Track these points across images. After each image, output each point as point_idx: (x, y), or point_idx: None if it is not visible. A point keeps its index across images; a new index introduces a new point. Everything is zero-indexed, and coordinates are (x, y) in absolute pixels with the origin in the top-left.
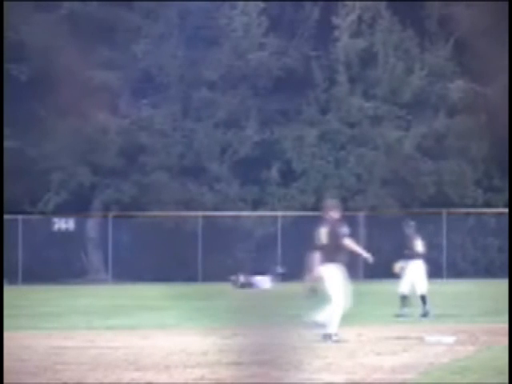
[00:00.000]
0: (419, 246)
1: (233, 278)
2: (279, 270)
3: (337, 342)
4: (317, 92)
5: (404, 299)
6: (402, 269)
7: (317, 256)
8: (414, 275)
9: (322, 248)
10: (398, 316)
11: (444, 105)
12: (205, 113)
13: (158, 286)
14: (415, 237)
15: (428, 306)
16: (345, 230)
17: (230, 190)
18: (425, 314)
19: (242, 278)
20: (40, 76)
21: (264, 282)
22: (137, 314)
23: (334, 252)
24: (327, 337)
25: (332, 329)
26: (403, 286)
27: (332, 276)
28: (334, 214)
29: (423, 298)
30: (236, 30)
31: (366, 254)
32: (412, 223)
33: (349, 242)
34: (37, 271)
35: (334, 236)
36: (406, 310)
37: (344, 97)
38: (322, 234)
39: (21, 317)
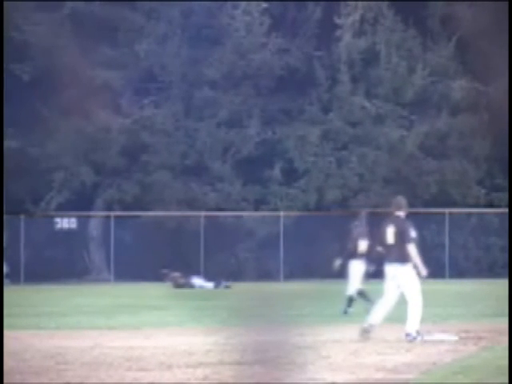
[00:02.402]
0: (362, 246)
1: (165, 271)
2: (223, 283)
3: (414, 339)
4: (319, 91)
5: (364, 296)
6: (341, 266)
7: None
8: (356, 272)
9: (388, 247)
10: (345, 313)
11: (446, 104)
12: (207, 112)
13: (161, 286)
14: (361, 237)
15: (351, 309)
16: (413, 233)
17: (233, 189)
18: (345, 312)
19: (179, 278)
20: (43, 76)
21: (203, 283)
22: (139, 313)
23: (402, 252)
24: (410, 336)
25: (413, 327)
26: (354, 286)
27: (409, 277)
28: (402, 213)
29: (350, 299)
30: (238, 29)
31: (421, 268)
32: (359, 223)
33: (412, 249)
34: (39, 270)
35: (402, 236)
36: (369, 304)
37: (346, 96)
38: (389, 233)
39: (23, 316)
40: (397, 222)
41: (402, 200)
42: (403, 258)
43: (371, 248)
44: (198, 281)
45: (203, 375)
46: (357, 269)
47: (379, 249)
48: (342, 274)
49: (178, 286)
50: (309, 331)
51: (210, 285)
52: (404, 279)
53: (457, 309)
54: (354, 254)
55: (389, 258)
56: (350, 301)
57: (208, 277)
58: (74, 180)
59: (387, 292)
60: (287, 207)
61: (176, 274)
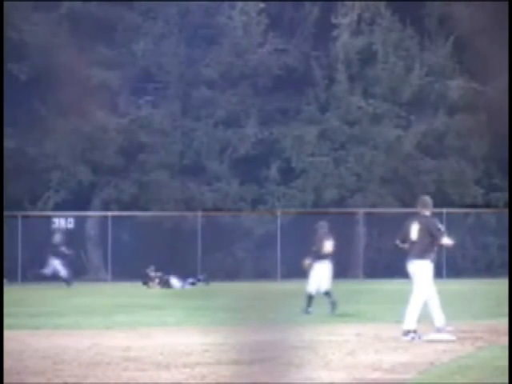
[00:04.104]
0: (328, 246)
1: (144, 280)
2: (200, 277)
3: (413, 339)
4: (316, 91)
5: (310, 298)
6: (310, 266)
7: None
8: (319, 274)
9: (411, 244)
10: (306, 313)
11: (444, 103)
12: (204, 111)
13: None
14: (326, 237)
15: (334, 298)
16: (442, 228)
17: (230, 188)
18: (333, 305)
19: (157, 278)
20: (40, 75)
21: (180, 282)
22: (137, 313)
23: (425, 249)
24: (406, 333)
25: (411, 325)
26: (311, 286)
27: (423, 273)
28: (427, 211)
29: (327, 294)
30: (236, 29)
31: (449, 241)
32: (325, 224)
33: (446, 240)
34: (36, 270)
35: (427, 233)
36: (311, 309)
37: (344, 95)
38: (414, 230)
39: (20, 316)
40: (422, 220)
41: (427, 199)
42: (423, 254)
43: (335, 248)
44: (174, 280)
45: (201, 375)
46: (325, 268)
47: (398, 243)
48: (339, 274)
49: (157, 285)
50: (306, 331)
51: (189, 282)
52: (419, 275)
53: (454, 308)
54: (319, 255)
55: (410, 255)
56: (310, 298)
57: (184, 276)
58: (72, 179)
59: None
60: (284, 206)
61: (156, 275)
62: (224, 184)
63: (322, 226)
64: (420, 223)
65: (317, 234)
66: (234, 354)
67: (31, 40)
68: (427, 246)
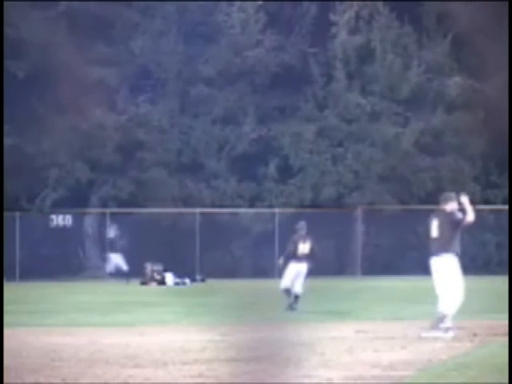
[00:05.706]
0: (304, 248)
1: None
2: (198, 277)
3: (449, 337)
4: (314, 88)
5: (288, 293)
6: (284, 265)
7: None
8: (294, 272)
9: (432, 241)
10: (292, 309)
11: (442, 101)
12: (202, 109)
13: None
14: (303, 239)
15: (297, 305)
16: (459, 215)
17: (228, 186)
18: (291, 308)
19: (155, 276)
20: (38, 73)
21: (177, 279)
22: (135, 310)
23: (445, 243)
24: (447, 330)
25: (447, 322)
26: (284, 280)
27: (445, 268)
28: (448, 207)
29: (296, 298)
30: (234, 26)
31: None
32: (304, 224)
33: (470, 218)
34: (34, 268)
35: (446, 227)
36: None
37: (342, 93)
38: (433, 226)
39: (19, 313)
40: (440, 215)
41: (448, 194)
42: (444, 249)
43: (314, 249)
44: (171, 278)
45: (198, 372)
46: (301, 269)
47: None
48: (337, 271)
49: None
50: (304, 328)
51: (186, 281)
52: (445, 270)
53: None
54: (295, 256)
55: (432, 251)
56: (288, 293)
57: (182, 273)
58: (69, 177)
59: (445, 286)
60: (282, 204)
61: (154, 273)
62: (222, 182)
63: (302, 227)
64: (438, 219)
65: (295, 234)
66: (232, 351)
67: (29, 37)
68: (448, 239)
